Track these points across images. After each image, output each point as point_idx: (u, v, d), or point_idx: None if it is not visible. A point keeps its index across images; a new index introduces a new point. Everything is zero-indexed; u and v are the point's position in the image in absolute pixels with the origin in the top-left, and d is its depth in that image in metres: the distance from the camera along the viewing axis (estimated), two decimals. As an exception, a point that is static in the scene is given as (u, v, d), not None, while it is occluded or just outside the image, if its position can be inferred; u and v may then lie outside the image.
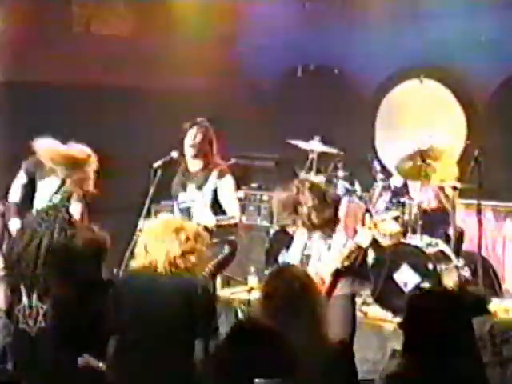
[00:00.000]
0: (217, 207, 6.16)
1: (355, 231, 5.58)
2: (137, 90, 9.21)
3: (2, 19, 8.41)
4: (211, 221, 6.03)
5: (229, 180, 6.23)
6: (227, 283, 8.03)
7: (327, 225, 5.58)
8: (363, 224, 5.58)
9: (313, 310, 3.63)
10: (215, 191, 6.16)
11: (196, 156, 6.22)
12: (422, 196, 7.67)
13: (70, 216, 5.03)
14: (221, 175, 6.17)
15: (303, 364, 3.22)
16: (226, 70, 10.41)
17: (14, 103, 8.41)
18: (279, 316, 3.49)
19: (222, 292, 7.56)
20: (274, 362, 2.99)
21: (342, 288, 5.56)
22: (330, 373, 3.47)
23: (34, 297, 4.21)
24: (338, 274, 5.54)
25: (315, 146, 8.11)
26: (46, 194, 5.83)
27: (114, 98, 8.94)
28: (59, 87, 8.63)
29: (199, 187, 6.21)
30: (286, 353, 3.02)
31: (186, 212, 6.23)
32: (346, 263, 5.50)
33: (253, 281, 7.48)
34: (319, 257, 5.63)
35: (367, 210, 5.86)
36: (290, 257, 5.84)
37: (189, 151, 6.23)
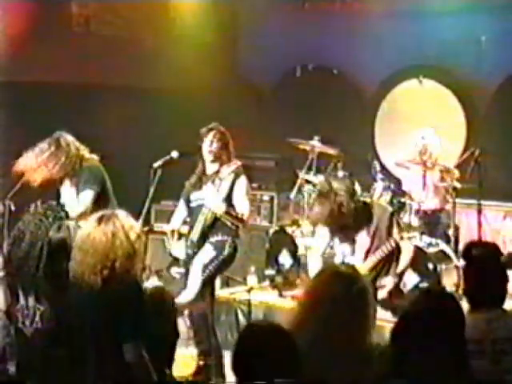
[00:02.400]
0: (228, 206, 6.21)
1: (380, 237, 5.55)
2: (136, 90, 9.21)
3: (2, 19, 8.40)
4: (221, 208, 6.10)
5: (243, 181, 6.28)
6: (227, 283, 8.02)
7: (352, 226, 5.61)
8: (391, 230, 5.55)
9: (367, 317, 3.41)
10: (230, 191, 6.20)
11: (214, 161, 6.29)
12: (421, 196, 7.69)
13: (67, 214, 4.98)
14: (236, 176, 6.23)
15: (351, 371, 3.18)
16: (226, 70, 10.42)
17: (14, 103, 8.40)
18: (330, 322, 3.29)
19: (222, 292, 7.56)
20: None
21: None
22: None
23: (31, 298, 4.19)
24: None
25: (315, 145, 8.11)
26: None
27: (113, 97, 8.93)
28: (59, 87, 8.63)
29: (213, 185, 6.26)
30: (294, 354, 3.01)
31: (198, 210, 6.25)
32: (373, 273, 5.53)
33: (252, 281, 7.47)
34: (342, 260, 5.63)
35: (392, 214, 5.82)
36: (311, 256, 5.87)
37: (207, 157, 6.31)
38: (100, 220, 3.98)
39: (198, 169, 6.42)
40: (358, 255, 5.57)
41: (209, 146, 6.28)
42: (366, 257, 5.58)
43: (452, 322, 3.14)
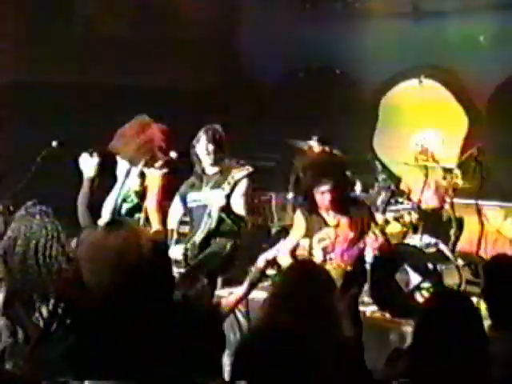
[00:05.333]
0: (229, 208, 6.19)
1: (361, 236, 5.59)
2: (137, 90, 9.22)
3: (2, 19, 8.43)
4: (221, 201, 6.07)
5: (244, 183, 6.24)
6: (227, 283, 8.01)
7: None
8: (369, 227, 5.60)
9: (333, 306, 3.51)
10: (231, 192, 6.17)
11: (212, 162, 6.26)
12: (421, 196, 7.69)
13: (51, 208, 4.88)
14: (238, 178, 6.20)
15: (321, 362, 3.20)
16: (228, 69, 10.43)
17: (14, 103, 8.41)
18: (298, 313, 3.37)
19: (222, 292, 7.55)
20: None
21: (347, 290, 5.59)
22: (346, 371, 3.41)
23: (51, 301, 4.13)
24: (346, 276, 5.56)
25: (313, 146, 8.11)
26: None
27: (114, 97, 8.95)
28: (59, 87, 8.64)
29: (215, 187, 6.22)
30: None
31: (199, 211, 6.22)
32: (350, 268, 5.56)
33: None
34: (323, 258, 5.66)
35: (369, 209, 5.89)
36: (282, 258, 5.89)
37: (205, 158, 6.26)
38: (108, 228, 3.89)
39: (197, 169, 6.39)
40: (337, 251, 5.62)
41: (205, 147, 6.25)
42: (348, 251, 5.62)
43: (470, 322, 3.17)
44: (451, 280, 7.03)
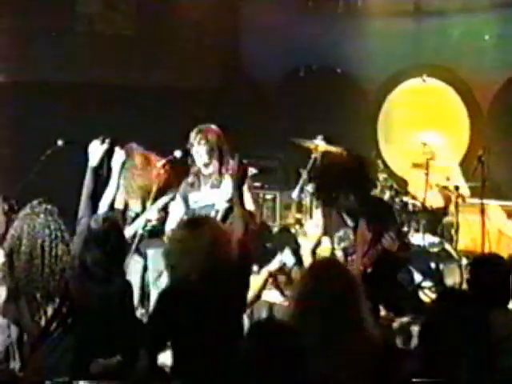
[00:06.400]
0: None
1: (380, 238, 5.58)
2: (138, 90, 9.21)
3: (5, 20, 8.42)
4: (226, 204, 6.04)
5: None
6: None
7: None
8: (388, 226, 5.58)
9: (357, 304, 3.47)
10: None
11: (206, 163, 6.24)
12: (424, 195, 7.69)
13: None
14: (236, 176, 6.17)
15: (349, 363, 3.22)
16: (229, 68, 10.42)
17: (15, 103, 8.40)
18: (322, 317, 3.37)
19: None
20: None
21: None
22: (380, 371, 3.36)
23: (54, 301, 4.14)
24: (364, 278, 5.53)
25: (319, 144, 8.10)
26: None
27: (116, 97, 8.94)
28: (60, 87, 8.63)
29: (214, 188, 6.20)
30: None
31: (202, 211, 6.20)
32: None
33: (255, 280, 7.45)
34: (344, 259, 5.65)
35: (390, 210, 5.91)
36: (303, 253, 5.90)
37: (198, 159, 6.25)
38: (194, 225, 4.03)
39: (194, 169, 6.36)
40: (358, 252, 5.59)
41: (197, 147, 6.24)
42: (367, 253, 5.59)
43: (476, 321, 3.18)
44: (452, 279, 7.03)
